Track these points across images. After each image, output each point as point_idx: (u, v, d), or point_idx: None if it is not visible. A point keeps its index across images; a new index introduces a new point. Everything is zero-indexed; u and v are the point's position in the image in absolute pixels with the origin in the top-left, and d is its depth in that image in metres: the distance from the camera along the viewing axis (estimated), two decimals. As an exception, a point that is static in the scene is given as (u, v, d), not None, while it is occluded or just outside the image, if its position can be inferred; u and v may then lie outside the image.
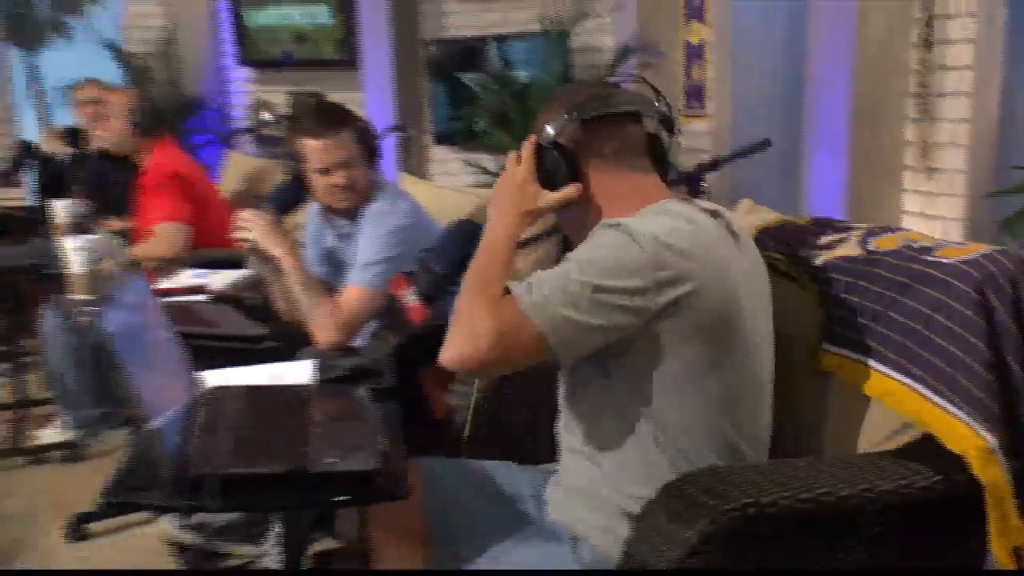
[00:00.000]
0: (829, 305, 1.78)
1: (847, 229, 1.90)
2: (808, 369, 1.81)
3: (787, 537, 1.45)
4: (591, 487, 1.64)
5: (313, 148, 2.61)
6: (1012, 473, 1.43)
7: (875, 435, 1.68)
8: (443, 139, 5.48)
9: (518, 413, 2.02)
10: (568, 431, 1.70)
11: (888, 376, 1.61)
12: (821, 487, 1.43)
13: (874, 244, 1.78)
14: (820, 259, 1.85)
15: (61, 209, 3.77)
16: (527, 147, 1.62)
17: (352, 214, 2.71)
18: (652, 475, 1.53)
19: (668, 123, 1.67)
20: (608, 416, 1.60)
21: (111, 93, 4.27)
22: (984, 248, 1.63)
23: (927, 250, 1.67)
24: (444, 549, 1.75)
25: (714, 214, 1.60)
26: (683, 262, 1.43)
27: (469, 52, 5.15)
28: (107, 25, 6.40)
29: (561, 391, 1.72)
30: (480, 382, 2.02)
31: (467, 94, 5.04)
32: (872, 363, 1.65)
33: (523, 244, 1.79)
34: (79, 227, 3.57)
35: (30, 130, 6.12)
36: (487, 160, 4.63)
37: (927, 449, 1.52)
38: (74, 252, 3.09)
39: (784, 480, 1.43)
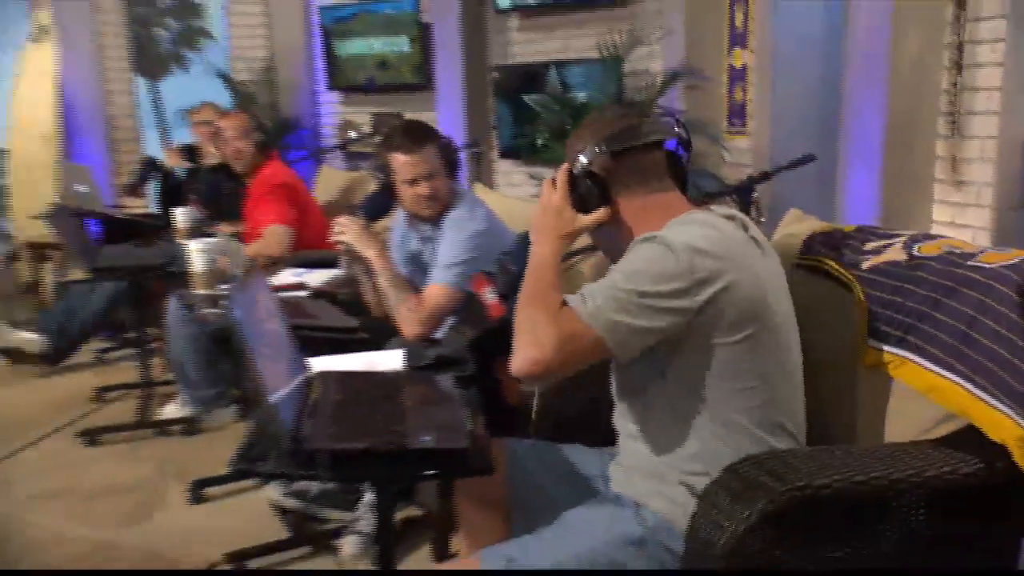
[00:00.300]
0: (875, 306, 1.74)
1: (892, 236, 1.87)
2: (851, 364, 1.78)
3: (838, 518, 1.44)
4: (649, 465, 1.65)
5: (402, 162, 2.63)
6: None
7: (916, 426, 1.66)
8: (507, 154, 5.49)
9: (576, 404, 2.01)
10: (624, 420, 1.71)
11: (934, 372, 1.58)
12: (872, 471, 1.42)
13: (918, 250, 1.74)
14: (867, 263, 1.82)
15: (181, 215, 3.87)
16: (562, 175, 1.64)
17: (435, 220, 2.73)
18: (704, 452, 1.57)
19: (687, 144, 1.71)
20: (660, 405, 1.61)
21: (223, 116, 4.38)
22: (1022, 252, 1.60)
23: (970, 255, 1.64)
24: (522, 519, 1.78)
25: (732, 218, 1.62)
26: (714, 263, 1.45)
27: (532, 76, 5.15)
28: (218, 57, 6.50)
29: (615, 386, 1.73)
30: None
31: (530, 114, 5.03)
32: (918, 360, 1.62)
33: (574, 254, 1.83)
34: (197, 231, 3.66)
35: (153, 148, 6.24)
36: (547, 172, 4.62)
37: (969, 439, 1.50)
38: (196, 253, 3.15)
39: (837, 465, 1.43)
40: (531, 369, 1.46)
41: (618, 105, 3.94)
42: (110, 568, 2.72)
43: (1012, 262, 1.54)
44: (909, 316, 1.66)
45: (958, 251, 1.68)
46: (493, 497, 1.81)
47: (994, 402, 1.44)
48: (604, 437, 1.82)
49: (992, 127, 2.93)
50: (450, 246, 2.64)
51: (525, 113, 5.12)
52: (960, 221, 3.05)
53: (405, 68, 5.80)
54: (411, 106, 5.87)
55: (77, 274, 4.80)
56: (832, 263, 1.88)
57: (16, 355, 4.56)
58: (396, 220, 2.92)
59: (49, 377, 4.53)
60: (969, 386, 1.49)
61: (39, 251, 5.69)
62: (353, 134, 6.08)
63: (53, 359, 4.55)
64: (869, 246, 1.86)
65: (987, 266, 1.57)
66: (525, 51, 5.33)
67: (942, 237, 1.84)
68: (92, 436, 3.70)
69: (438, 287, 2.61)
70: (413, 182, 2.64)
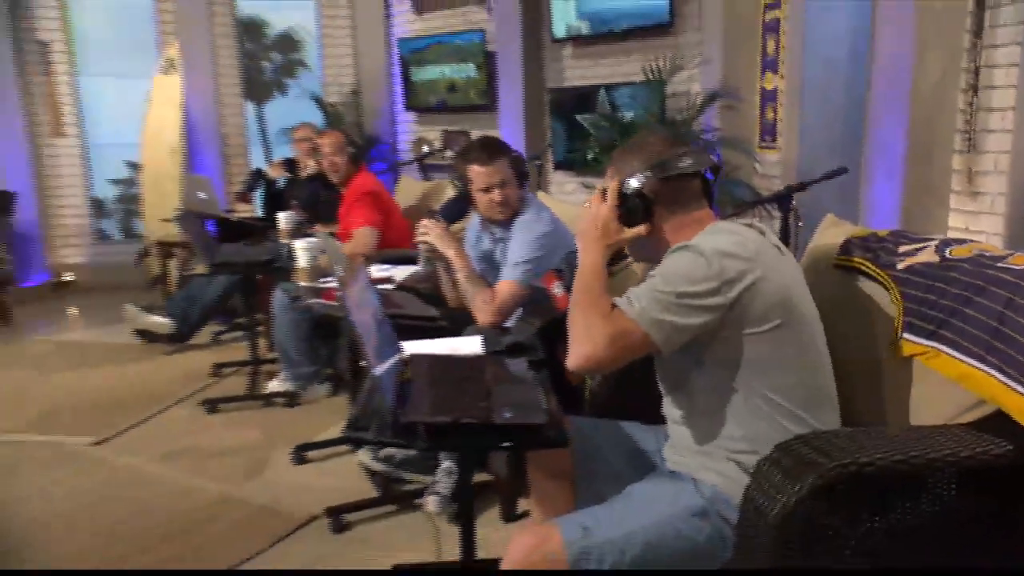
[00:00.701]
0: (910, 303, 1.69)
1: (925, 240, 1.82)
2: (885, 355, 1.73)
3: (879, 492, 1.41)
4: (698, 446, 1.63)
5: (478, 172, 2.62)
6: None
7: (947, 411, 1.60)
8: (561, 166, 5.45)
9: (629, 387, 1.94)
10: (671, 407, 1.69)
11: (965, 363, 1.52)
12: (911, 451, 1.39)
13: (950, 253, 1.69)
14: (902, 264, 1.76)
15: (283, 219, 3.91)
16: (612, 192, 1.63)
17: (505, 223, 2.71)
18: (746, 432, 1.56)
19: (717, 170, 1.71)
20: (702, 392, 1.59)
21: (321, 134, 4.44)
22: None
23: (1000, 258, 1.60)
24: (586, 489, 1.76)
25: (751, 226, 1.62)
26: (741, 264, 1.46)
27: (583, 97, 5.11)
28: (313, 83, 6.55)
29: (660, 378, 1.72)
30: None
31: (581, 131, 5.02)
32: (951, 352, 1.56)
33: (624, 257, 1.82)
34: (297, 232, 3.69)
35: (258, 161, 6.30)
36: (598, 182, 4.57)
37: (998, 424, 1.46)
38: (301, 250, 3.18)
39: (878, 445, 1.40)
40: (585, 364, 1.49)
41: (664, 130, 3.90)
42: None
43: None
44: (942, 312, 1.60)
45: (988, 254, 1.63)
46: (561, 468, 1.79)
47: (1022, 390, 1.39)
48: (656, 416, 1.79)
49: (1006, 143, 2.84)
50: (519, 246, 2.62)
51: (577, 130, 5.11)
52: (974, 228, 2.96)
53: (472, 91, 5.79)
54: (477, 124, 5.88)
55: (198, 268, 4.90)
56: (868, 264, 1.83)
57: (148, 336, 4.69)
58: (471, 223, 2.90)
59: (174, 355, 4.62)
60: (1000, 376, 1.44)
61: (166, 248, 5.79)
62: (426, 149, 6.11)
63: (178, 339, 4.66)
64: (903, 249, 1.80)
65: (1017, 267, 1.53)
66: (577, 75, 5.29)
67: (972, 241, 1.78)
68: (211, 405, 3.76)
69: (508, 283, 2.58)
70: (487, 190, 2.63)
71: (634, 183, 1.60)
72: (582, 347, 1.47)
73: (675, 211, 1.63)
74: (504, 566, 1.51)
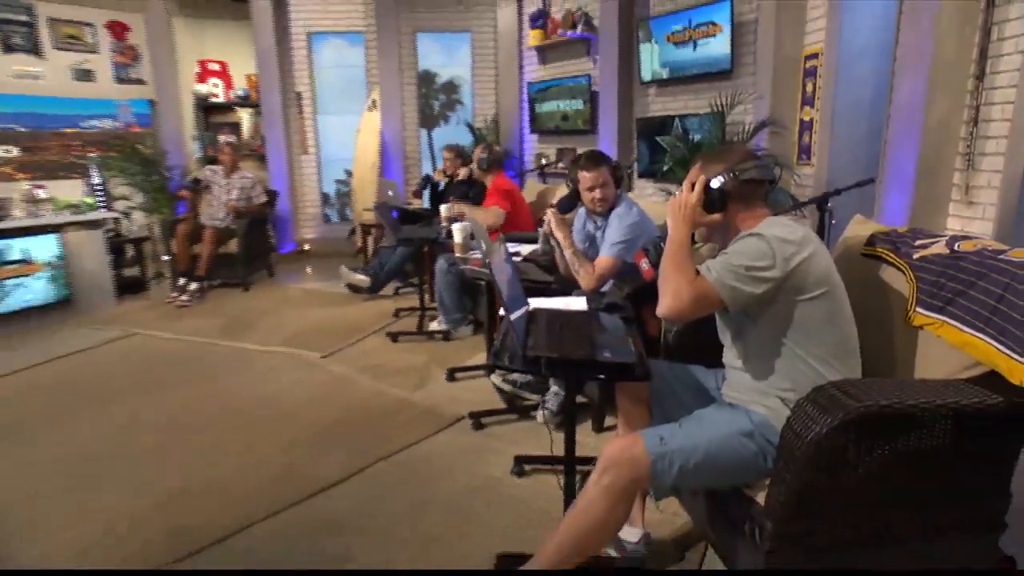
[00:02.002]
0: (923, 284, 1.55)
1: (937, 235, 1.66)
2: (900, 325, 1.59)
3: (894, 429, 1.30)
4: (751, 386, 1.54)
5: (584, 176, 2.55)
6: None
7: (950, 370, 1.46)
8: (644, 175, 5.22)
9: (696, 339, 1.84)
10: (730, 356, 1.60)
11: (967, 332, 1.40)
12: (922, 398, 1.28)
13: (959, 246, 1.54)
14: (917, 254, 1.62)
15: (444, 209, 3.90)
16: (700, 184, 1.54)
17: (604, 214, 2.60)
18: (790, 377, 1.47)
19: (775, 181, 1.65)
20: (757, 345, 1.51)
21: (461, 152, 4.44)
22: (1043, 251, 1.40)
23: (1000, 251, 1.45)
24: (659, 412, 1.70)
25: (798, 220, 1.52)
26: (793, 247, 1.40)
27: (662, 124, 4.87)
28: (467, 115, 6.53)
29: (722, 333, 1.62)
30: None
31: (660, 149, 4.78)
32: (956, 324, 1.44)
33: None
34: (454, 219, 3.67)
35: (427, 169, 6.36)
36: (672, 188, 4.37)
37: (992, 381, 1.34)
38: (456, 231, 3.16)
39: (896, 392, 1.29)
40: (671, 314, 1.44)
41: (743, 145, 3.70)
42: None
43: None
44: (950, 292, 1.47)
45: (991, 249, 1.48)
46: (641, 396, 1.73)
47: (1014, 354, 1.28)
48: (716, 362, 1.70)
49: (998, 164, 2.57)
50: (614, 231, 2.52)
51: (657, 148, 4.87)
52: (968, 230, 2.70)
53: (579, 119, 5.61)
54: (581, 144, 5.69)
55: (386, 242, 4.99)
56: (889, 253, 1.69)
57: (353, 288, 4.80)
58: (579, 213, 2.79)
59: (369, 301, 4.71)
60: (995, 343, 1.33)
61: (366, 229, 5.97)
62: (544, 161, 6.00)
63: (372, 291, 4.76)
64: (919, 242, 1.65)
65: (1015, 259, 1.39)
66: (658, 108, 5.03)
67: (977, 238, 1.60)
68: (393, 336, 3.83)
69: (606, 258, 2.50)
70: (591, 189, 2.54)
71: (719, 180, 1.52)
72: (671, 301, 1.42)
73: (744, 206, 1.55)
74: (600, 461, 1.46)
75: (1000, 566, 1.64)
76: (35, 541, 1.92)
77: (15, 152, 5.53)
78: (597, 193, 2.54)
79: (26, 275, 4.12)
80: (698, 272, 1.43)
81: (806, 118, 3.81)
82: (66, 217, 4.40)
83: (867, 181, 2.30)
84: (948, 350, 1.45)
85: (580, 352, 1.53)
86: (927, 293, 1.52)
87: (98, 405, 2.90)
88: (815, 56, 3.69)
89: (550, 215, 2.54)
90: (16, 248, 4.07)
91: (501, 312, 1.94)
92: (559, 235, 2.54)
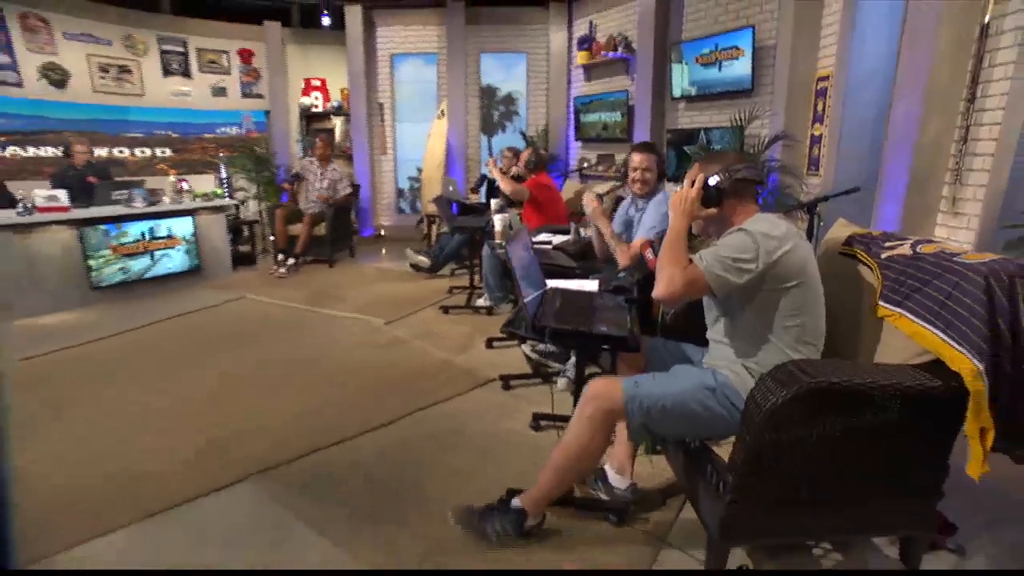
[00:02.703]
0: (887, 280, 1.52)
1: (903, 239, 1.62)
2: (867, 316, 1.56)
3: (843, 404, 1.29)
4: (727, 356, 1.54)
5: (634, 157, 2.55)
6: (987, 387, 1.21)
7: (905, 357, 1.42)
8: (672, 179, 5.07)
9: (687, 321, 1.83)
10: (713, 332, 1.60)
11: (919, 324, 1.37)
12: (870, 378, 1.27)
13: (920, 249, 1.50)
14: (885, 254, 1.59)
15: (494, 203, 3.93)
16: (699, 182, 1.53)
17: (645, 200, 2.58)
18: (761, 354, 1.47)
19: (763, 182, 1.65)
20: (737, 326, 1.50)
21: (517, 153, 4.42)
22: (993, 256, 1.36)
23: (955, 255, 1.41)
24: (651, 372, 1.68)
25: (783, 218, 1.53)
26: (775, 242, 1.38)
27: (689, 135, 4.73)
28: (521, 124, 6.51)
29: (707, 314, 1.62)
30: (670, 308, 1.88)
31: (687, 157, 4.67)
32: (910, 316, 1.41)
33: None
34: (501, 209, 3.71)
35: (484, 169, 6.40)
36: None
37: (936, 368, 1.31)
38: (497, 220, 3.20)
39: (848, 371, 1.28)
40: (665, 295, 1.44)
41: (739, 151, 3.57)
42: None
43: (983, 261, 1.32)
44: (908, 289, 1.44)
45: (947, 252, 1.44)
46: (638, 365, 1.75)
47: (956, 345, 1.26)
48: (703, 342, 1.70)
49: (984, 180, 2.42)
50: (649, 217, 2.50)
51: (684, 156, 4.75)
52: (953, 238, 2.56)
53: (617, 129, 5.52)
54: (619, 150, 5.61)
55: (445, 230, 5.08)
56: (861, 252, 1.65)
57: (416, 268, 4.88)
58: (625, 200, 2.74)
59: (428, 280, 4.78)
60: (941, 334, 1.30)
61: (431, 219, 6.08)
62: (586, 164, 5.92)
63: (432, 271, 4.82)
64: (888, 244, 1.61)
65: (967, 262, 1.35)
66: (686, 121, 4.89)
67: (938, 241, 1.56)
68: (445, 309, 3.89)
69: (641, 239, 2.46)
70: (635, 170, 2.55)
71: (716, 178, 1.51)
72: (665, 286, 1.41)
73: (737, 202, 1.53)
74: (583, 397, 1.51)
75: (941, 530, 1.60)
76: (158, 450, 2.12)
77: (169, 153, 6.04)
78: (638, 175, 2.53)
79: (171, 248, 4.48)
80: (691, 261, 1.43)
81: (816, 133, 3.64)
82: (199, 203, 4.74)
83: (853, 190, 2.21)
84: (904, 340, 1.42)
85: (581, 325, 1.56)
86: (889, 288, 1.49)
87: (207, 350, 3.13)
88: (826, 78, 3.53)
89: (592, 200, 2.52)
90: (164, 227, 4.44)
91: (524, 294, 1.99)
92: (599, 221, 2.53)
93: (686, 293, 1.41)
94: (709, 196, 1.52)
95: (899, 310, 1.43)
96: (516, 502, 1.59)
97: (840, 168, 3.39)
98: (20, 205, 3.77)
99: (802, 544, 1.60)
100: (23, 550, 1.56)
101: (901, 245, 1.56)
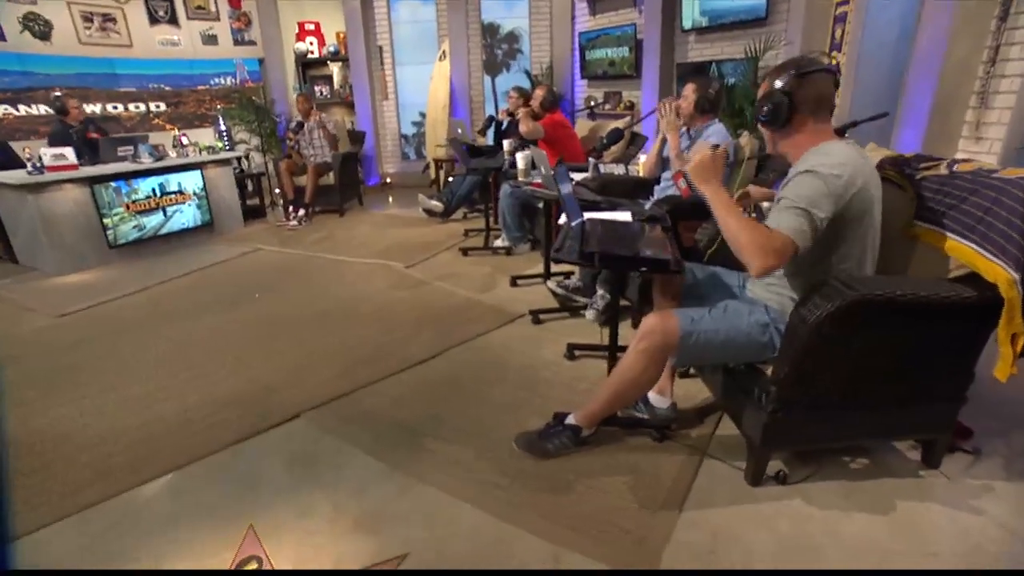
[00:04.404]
0: (923, 200, 1.53)
1: (938, 159, 1.61)
2: (903, 235, 1.58)
3: (883, 316, 1.33)
4: (776, 289, 1.55)
5: (686, 86, 2.60)
6: (1022, 295, 1.27)
7: (938, 271, 1.46)
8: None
9: (720, 249, 1.86)
10: None
11: (955, 240, 1.41)
12: (909, 290, 1.31)
13: (957, 168, 1.51)
14: (920, 175, 1.60)
15: (506, 144, 3.88)
16: (763, 89, 1.42)
17: (691, 130, 2.63)
18: (809, 281, 1.44)
19: (837, 83, 1.43)
20: (795, 260, 1.36)
21: (524, 93, 4.30)
22: (1030, 171, 1.37)
23: (994, 171, 1.42)
24: (688, 304, 1.73)
25: (848, 143, 1.41)
26: (843, 181, 1.30)
27: (700, 69, 4.60)
28: (525, 62, 6.31)
29: None
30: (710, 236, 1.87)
31: (696, 91, 4.56)
32: (947, 233, 1.44)
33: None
34: (515, 151, 3.66)
35: (490, 111, 6.24)
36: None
37: (972, 280, 1.35)
38: (520, 158, 3.17)
39: (888, 285, 1.33)
40: (768, 269, 1.28)
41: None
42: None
43: (1022, 176, 1.35)
44: (945, 207, 1.46)
45: (985, 169, 1.45)
46: (674, 291, 1.78)
47: (993, 257, 1.30)
48: (739, 265, 1.67)
49: (1011, 102, 2.38)
50: (702, 146, 2.49)
51: (693, 91, 4.63)
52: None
53: (625, 65, 5.36)
54: (626, 87, 5.47)
55: (456, 173, 5.02)
56: (893, 173, 1.66)
57: (430, 213, 4.86)
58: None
59: (441, 224, 4.78)
60: (977, 247, 1.34)
61: (438, 163, 6.00)
62: (592, 103, 5.78)
63: (445, 215, 4.82)
64: (922, 165, 1.61)
65: (1005, 177, 1.37)
66: (696, 53, 4.74)
67: (974, 160, 1.56)
68: (464, 251, 3.91)
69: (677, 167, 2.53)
70: (678, 97, 2.62)
71: (779, 83, 1.37)
72: (762, 260, 1.27)
73: (810, 117, 1.38)
74: (640, 330, 1.52)
75: (958, 434, 1.69)
76: (206, 396, 2.18)
77: (163, 107, 5.83)
78: (680, 102, 2.58)
79: (182, 203, 4.43)
80: (768, 228, 1.30)
81: (833, 62, 3.54)
82: (205, 156, 4.64)
83: (882, 115, 2.17)
84: (939, 257, 1.46)
85: (627, 250, 1.59)
86: (925, 208, 1.51)
87: (234, 301, 3.18)
88: (846, 2, 3.39)
89: (667, 108, 2.57)
90: (174, 181, 4.37)
91: (560, 221, 1.99)
92: (670, 134, 2.56)
93: (779, 261, 1.28)
94: (776, 110, 1.37)
95: (936, 228, 1.46)
96: (570, 419, 1.68)
97: (857, 96, 3.32)
98: (29, 164, 3.70)
99: (832, 450, 1.70)
100: (87, 492, 1.64)
101: (936, 165, 1.57)
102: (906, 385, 1.48)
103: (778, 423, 1.50)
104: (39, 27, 5.02)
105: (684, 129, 2.66)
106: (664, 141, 2.71)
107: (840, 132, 2.33)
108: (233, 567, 1.34)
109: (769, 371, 1.51)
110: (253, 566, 1.33)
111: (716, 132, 2.53)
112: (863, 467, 1.65)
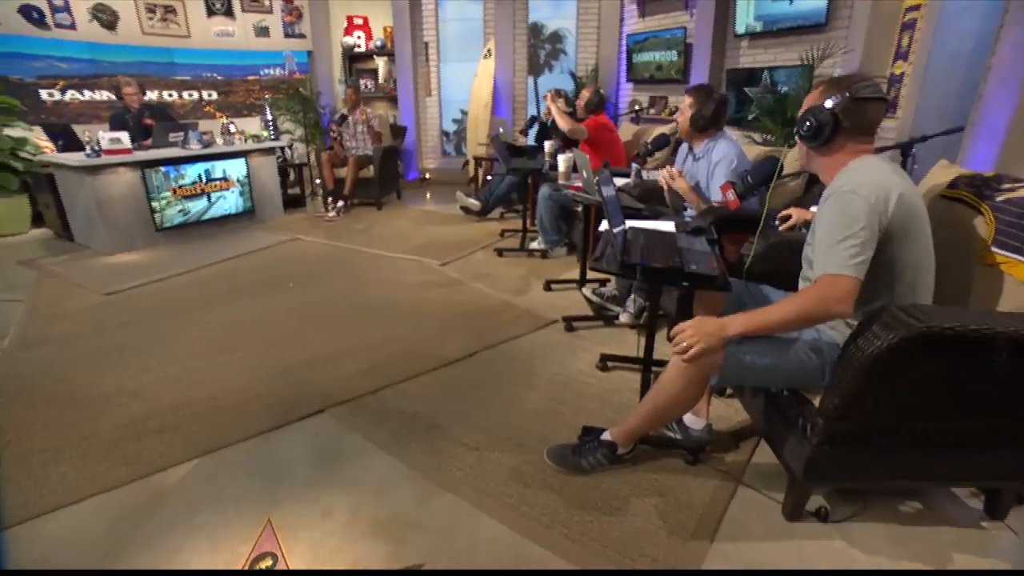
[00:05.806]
0: (1002, 225, 1.42)
1: (1022, 181, 1.50)
2: (973, 262, 1.48)
3: (950, 350, 1.21)
4: None
5: (684, 101, 2.42)
6: None
7: (1017, 305, 1.37)
8: (731, 122, 4.82)
9: (771, 265, 1.77)
10: (809, 283, 1.47)
11: None
12: (977, 324, 1.20)
13: None
14: (1000, 197, 1.49)
15: (548, 144, 3.83)
16: (807, 103, 1.35)
17: (694, 147, 2.46)
18: (865, 304, 1.34)
19: (885, 109, 1.37)
20: None
21: (561, 94, 4.25)
22: None
23: None
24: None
25: (884, 160, 1.33)
26: (881, 197, 1.24)
27: (750, 74, 4.45)
28: (569, 63, 6.23)
29: (806, 262, 1.47)
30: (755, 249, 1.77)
31: (747, 99, 4.40)
32: None
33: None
34: (557, 151, 3.61)
35: (532, 111, 6.19)
36: (755, 135, 4.03)
37: None
38: (561, 160, 3.12)
39: (956, 317, 1.22)
40: (841, 315, 1.24)
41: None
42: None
43: None
44: None
45: None
46: (716, 307, 1.71)
47: None
48: (786, 285, 1.64)
49: None
50: (720, 164, 2.34)
51: (744, 98, 4.47)
52: None
53: (672, 70, 5.23)
54: (672, 92, 5.33)
55: (495, 173, 4.99)
56: (970, 195, 1.55)
57: (467, 211, 4.87)
58: (682, 149, 2.61)
59: (478, 223, 4.77)
60: None
61: (478, 161, 5.99)
62: (637, 107, 5.66)
63: (482, 214, 4.81)
64: (1004, 186, 1.51)
65: None
66: (748, 60, 4.58)
67: None
68: (499, 252, 3.89)
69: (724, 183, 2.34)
70: (677, 111, 2.45)
71: (829, 103, 1.32)
72: (836, 309, 1.23)
73: (854, 137, 1.32)
74: (692, 322, 1.38)
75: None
76: (240, 381, 2.21)
77: (215, 96, 6.03)
78: (677, 116, 2.47)
79: (226, 190, 4.54)
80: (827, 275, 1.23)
81: (897, 72, 3.35)
82: (250, 145, 4.75)
83: (957, 129, 2.02)
84: (1017, 286, 1.35)
85: (671, 263, 1.52)
86: (1005, 234, 1.40)
87: (271, 289, 3.22)
88: (916, 7, 3.19)
89: (671, 173, 2.41)
90: (219, 168, 4.49)
91: (601, 228, 1.93)
92: (678, 185, 2.39)
93: (851, 305, 1.22)
94: (820, 129, 1.32)
95: (1016, 256, 1.36)
96: (606, 435, 1.62)
97: (922, 110, 3.12)
98: (88, 147, 3.85)
99: (881, 492, 1.59)
100: (118, 471, 1.67)
101: (1021, 187, 1.45)
102: (972, 426, 1.37)
103: (823, 457, 1.40)
104: (107, 17, 5.24)
105: (687, 148, 2.53)
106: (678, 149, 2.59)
107: (908, 146, 2.21)
108: (248, 563, 1.33)
109: (816, 401, 1.42)
110: (268, 563, 1.32)
111: (722, 152, 2.32)
112: (915, 511, 1.54)
